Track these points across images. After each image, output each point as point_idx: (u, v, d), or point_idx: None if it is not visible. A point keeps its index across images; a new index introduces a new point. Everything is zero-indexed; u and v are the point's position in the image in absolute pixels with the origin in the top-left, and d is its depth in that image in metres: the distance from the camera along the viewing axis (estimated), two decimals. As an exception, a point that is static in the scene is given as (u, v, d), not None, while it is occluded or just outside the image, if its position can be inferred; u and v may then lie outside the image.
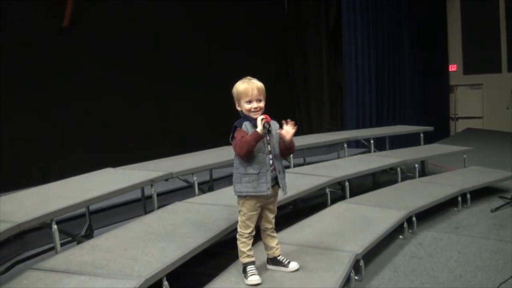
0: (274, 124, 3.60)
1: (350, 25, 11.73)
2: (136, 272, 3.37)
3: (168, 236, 4.11)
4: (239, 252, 3.67)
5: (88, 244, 4.05)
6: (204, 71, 9.71)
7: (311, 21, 12.28)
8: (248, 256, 3.65)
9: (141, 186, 5.23)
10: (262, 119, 3.41)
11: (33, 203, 4.34)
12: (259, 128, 3.39)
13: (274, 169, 3.61)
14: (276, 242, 3.83)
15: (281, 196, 3.82)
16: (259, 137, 3.42)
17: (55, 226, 4.04)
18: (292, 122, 3.57)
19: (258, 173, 3.52)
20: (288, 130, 3.54)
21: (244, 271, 3.63)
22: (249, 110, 3.51)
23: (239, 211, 3.64)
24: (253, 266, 3.65)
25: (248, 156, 3.48)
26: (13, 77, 7.05)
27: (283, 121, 3.56)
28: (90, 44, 8.04)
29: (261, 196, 3.55)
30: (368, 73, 12.23)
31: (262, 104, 3.53)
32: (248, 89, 3.50)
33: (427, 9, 15.14)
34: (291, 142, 3.61)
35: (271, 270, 3.81)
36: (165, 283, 3.44)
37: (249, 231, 3.62)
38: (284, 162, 7.05)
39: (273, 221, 3.78)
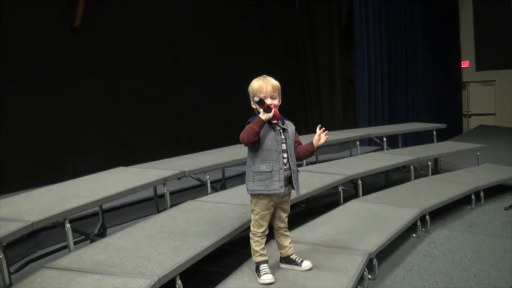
0: (290, 125, 3.64)
1: (362, 22, 11.68)
2: (149, 271, 3.37)
3: (181, 235, 4.11)
4: (252, 251, 3.67)
5: (101, 243, 4.05)
6: (216, 70, 9.71)
7: (323, 19, 12.25)
8: (261, 255, 3.64)
9: (154, 185, 5.23)
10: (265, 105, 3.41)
11: (46, 202, 4.35)
12: (262, 114, 3.40)
13: (289, 168, 3.60)
14: (289, 241, 3.82)
15: (293, 195, 3.80)
16: (261, 122, 3.42)
17: (68, 225, 4.05)
18: (326, 131, 3.67)
19: (271, 171, 3.51)
20: (322, 137, 3.65)
21: (257, 270, 3.63)
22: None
23: (252, 210, 3.64)
24: (266, 265, 3.64)
25: (252, 142, 3.45)
26: (28, 76, 7.09)
27: (318, 127, 3.68)
28: (105, 44, 8.06)
29: (274, 194, 3.55)
30: (380, 70, 12.19)
31: (276, 102, 3.55)
32: (263, 86, 3.52)
33: (440, 4, 15.05)
34: (311, 151, 3.72)
35: (284, 269, 3.80)
36: (179, 282, 3.44)
37: (262, 230, 3.61)
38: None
39: (286, 220, 3.77)
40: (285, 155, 3.57)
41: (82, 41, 7.85)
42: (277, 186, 3.52)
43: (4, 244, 3.50)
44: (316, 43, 12.30)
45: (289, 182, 3.65)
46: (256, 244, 3.63)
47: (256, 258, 3.65)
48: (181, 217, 4.63)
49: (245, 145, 3.52)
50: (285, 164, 3.57)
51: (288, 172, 3.60)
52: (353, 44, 11.88)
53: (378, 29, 12.13)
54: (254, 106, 3.58)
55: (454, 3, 16.59)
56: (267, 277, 3.56)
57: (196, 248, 3.80)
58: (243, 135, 3.44)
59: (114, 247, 3.89)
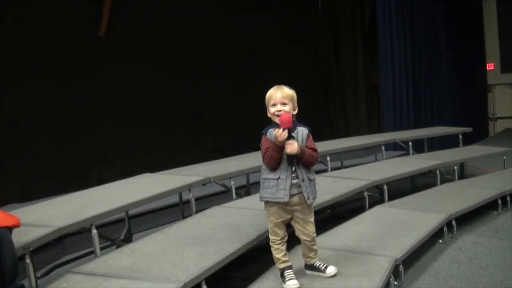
0: (301, 131, 3.59)
1: (385, 26, 11.62)
2: (175, 276, 3.39)
3: (206, 241, 4.13)
4: (274, 258, 3.68)
5: (127, 248, 4.09)
6: (240, 76, 9.73)
7: (346, 23, 12.20)
8: (283, 261, 3.64)
9: (179, 191, 5.27)
10: (279, 129, 3.38)
11: (73, 208, 4.41)
12: (276, 139, 3.39)
13: (297, 176, 3.56)
14: (313, 254, 3.82)
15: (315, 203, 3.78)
16: (279, 147, 3.41)
17: (94, 231, 4.10)
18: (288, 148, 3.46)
19: (278, 178, 3.51)
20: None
21: (282, 276, 3.63)
22: (274, 114, 3.52)
23: (268, 217, 3.66)
24: (290, 270, 3.64)
25: (277, 167, 3.51)
26: (54, 82, 7.16)
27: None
28: (130, 49, 8.12)
29: (279, 202, 3.54)
30: (404, 74, 12.10)
31: (286, 108, 3.50)
32: (273, 93, 3.54)
33: (463, 6, 14.90)
34: (299, 156, 3.50)
35: (309, 274, 3.80)
36: (204, 287, 3.45)
37: (279, 237, 3.62)
38: (322, 166, 7.11)
39: (311, 233, 3.72)
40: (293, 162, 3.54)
41: (106, 46, 7.91)
42: (282, 194, 3.51)
43: (32, 249, 3.54)
44: (339, 47, 12.26)
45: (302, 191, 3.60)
46: (277, 251, 3.64)
47: (280, 265, 3.65)
48: (206, 223, 4.65)
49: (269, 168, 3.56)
50: (293, 172, 3.54)
51: (296, 180, 3.55)
52: (376, 48, 11.82)
53: (402, 32, 12.05)
54: (269, 115, 3.59)
55: (477, 5, 16.39)
56: (292, 283, 3.56)
57: (222, 253, 3.81)
58: (268, 163, 3.53)
59: (140, 253, 3.93)
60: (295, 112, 3.58)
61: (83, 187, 5.45)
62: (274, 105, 3.52)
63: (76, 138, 7.43)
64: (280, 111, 3.48)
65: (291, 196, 3.54)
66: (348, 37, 12.14)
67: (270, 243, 3.66)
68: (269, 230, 3.66)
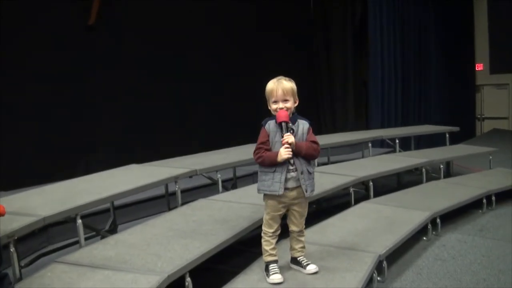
0: (302, 124, 3.59)
1: (376, 24, 11.65)
2: (159, 267, 3.39)
3: (191, 233, 4.12)
4: (262, 250, 3.68)
5: (112, 239, 4.09)
6: (228, 69, 9.71)
7: (336, 19, 12.17)
8: (270, 254, 3.64)
9: (166, 182, 5.27)
10: (286, 147, 3.42)
11: (58, 197, 4.40)
12: (280, 157, 3.43)
13: (295, 169, 3.54)
14: (300, 246, 3.81)
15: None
16: (275, 163, 3.47)
17: (79, 221, 4.09)
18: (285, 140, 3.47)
19: (274, 171, 3.51)
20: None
21: (267, 270, 3.63)
22: (275, 111, 3.52)
23: (265, 209, 3.65)
24: (275, 265, 3.64)
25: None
26: (41, 73, 7.12)
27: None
28: (117, 42, 8.07)
29: (275, 195, 3.54)
30: (394, 71, 12.16)
31: (289, 105, 3.50)
32: (274, 90, 3.51)
33: (454, 6, 14.97)
34: (296, 149, 3.49)
35: (294, 270, 3.81)
36: (188, 279, 3.46)
37: (272, 230, 3.62)
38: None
39: (301, 225, 3.74)
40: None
41: (95, 39, 7.87)
42: (277, 187, 3.51)
43: (16, 238, 3.53)
44: (330, 43, 12.24)
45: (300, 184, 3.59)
46: (266, 243, 3.64)
47: (266, 258, 3.65)
48: (191, 215, 4.65)
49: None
50: (291, 165, 3.52)
51: (294, 173, 3.54)
52: (367, 45, 11.84)
53: (392, 30, 12.09)
54: (269, 107, 3.59)
55: (469, 5, 16.49)
56: (275, 277, 3.56)
57: (206, 246, 3.82)
58: (256, 159, 3.56)
59: (125, 244, 3.92)
60: (296, 104, 3.58)
61: (69, 177, 5.43)
62: (275, 102, 3.52)
63: (63, 127, 7.40)
64: (282, 108, 3.49)
65: (290, 189, 3.55)
66: (339, 33, 12.13)
67: (262, 234, 3.67)
68: (264, 221, 3.66)
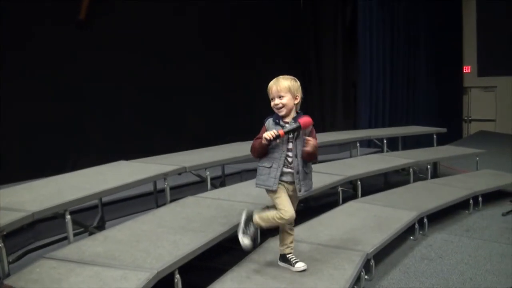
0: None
1: (366, 24, 11.69)
2: (148, 264, 3.39)
3: (180, 230, 4.12)
4: (279, 240, 3.95)
5: (101, 235, 4.08)
6: (219, 68, 9.70)
7: (327, 19, 12.20)
8: (288, 248, 3.90)
9: (155, 179, 5.26)
10: (273, 134, 3.46)
11: (47, 193, 4.38)
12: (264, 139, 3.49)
13: (293, 168, 3.61)
14: (290, 241, 3.88)
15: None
16: (263, 146, 3.55)
17: (68, 217, 4.07)
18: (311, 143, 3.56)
19: (270, 167, 3.61)
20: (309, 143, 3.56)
21: (286, 260, 3.89)
22: (274, 107, 3.62)
23: (274, 199, 3.70)
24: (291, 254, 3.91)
25: (258, 156, 3.67)
26: (30, 68, 7.08)
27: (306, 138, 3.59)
28: (106, 38, 8.03)
29: (268, 190, 3.65)
30: (382, 73, 12.20)
31: (284, 101, 3.58)
32: (270, 87, 3.64)
33: (443, 9, 15.04)
34: (309, 154, 3.61)
35: (282, 268, 3.82)
36: (177, 276, 3.45)
37: (286, 216, 3.64)
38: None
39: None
40: (290, 153, 3.62)
41: (84, 35, 7.83)
42: (271, 182, 3.61)
43: (5, 233, 3.51)
44: (320, 44, 12.25)
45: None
46: (287, 233, 3.88)
47: (285, 250, 3.88)
48: (180, 212, 4.65)
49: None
50: (290, 163, 3.61)
51: (291, 170, 3.62)
52: (356, 46, 11.88)
53: (382, 31, 12.13)
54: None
55: (457, 8, 16.56)
56: (300, 265, 3.83)
57: (196, 243, 3.82)
58: (251, 151, 3.70)
59: (113, 240, 3.92)
60: (296, 101, 3.65)
61: (57, 173, 5.40)
62: (272, 98, 3.62)
63: (51, 123, 7.35)
64: (278, 104, 3.58)
65: (287, 183, 3.65)
66: (329, 33, 12.15)
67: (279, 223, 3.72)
68: (277, 211, 3.65)
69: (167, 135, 8.69)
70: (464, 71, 17.24)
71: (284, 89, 3.58)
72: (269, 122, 3.64)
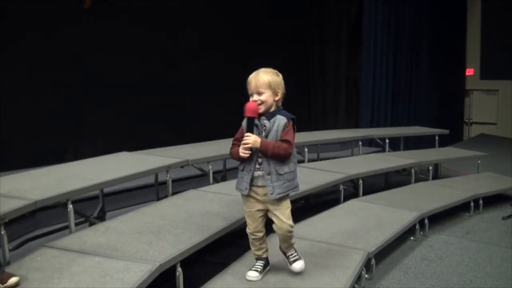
0: (278, 120, 3.35)
1: (371, 23, 11.69)
2: (150, 256, 3.38)
3: (182, 223, 4.11)
4: None
5: (102, 226, 4.07)
6: (222, 62, 9.67)
7: (331, 18, 12.20)
8: (254, 253, 3.65)
9: (157, 171, 5.23)
10: (243, 148, 3.31)
11: (49, 182, 4.37)
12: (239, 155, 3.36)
13: (263, 169, 3.38)
14: (286, 245, 3.65)
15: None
16: (241, 159, 3.39)
17: (70, 206, 4.05)
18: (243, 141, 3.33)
19: (242, 170, 3.46)
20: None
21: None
22: None
23: None
24: (260, 262, 3.63)
25: (238, 160, 3.47)
26: (33, 57, 7.05)
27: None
28: (111, 27, 8.01)
29: (241, 194, 3.49)
30: (385, 72, 12.21)
31: (263, 97, 3.31)
32: (248, 82, 3.37)
33: (448, 11, 15.03)
34: (260, 150, 3.32)
35: (284, 264, 3.78)
36: (179, 269, 3.44)
37: (249, 229, 3.54)
38: (298, 157, 7.11)
39: (285, 226, 3.46)
40: (259, 154, 3.37)
41: (89, 23, 7.79)
42: (243, 186, 3.44)
43: (7, 220, 3.49)
44: (324, 41, 12.26)
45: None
46: (250, 242, 3.61)
47: (253, 254, 3.67)
48: (182, 205, 4.63)
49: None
50: (260, 164, 3.38)
51: (261, 172, 3.38)
52: (360, 45, 11.87)
53: (386, 31, 12.13)
54: None
55: (462, 10, 16.55)
56: (251, 274, 3.57)
57: (198, 237, 3.81)
58: (231, 156, 3.53)
59: (115, 231, 3.91)
60: (277, 98, 3.37)
61: (57, 162, 5.38)
62: (251, 94, 3.35)
63: (51, 112, 7.33)
64: (256, 101, 3.31)
65: (259, 187, 3.40)
66: (333, 31, 12.14)
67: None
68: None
69: (167, 128, 8.67)
70: (467, 74, 17.21)
71: (264, 85, 3.30)
72: (245, 121, 3.41)
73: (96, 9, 7.84)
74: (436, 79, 14.62)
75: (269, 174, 3.35)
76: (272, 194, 3.36)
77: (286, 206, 3.47)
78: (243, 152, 3.31)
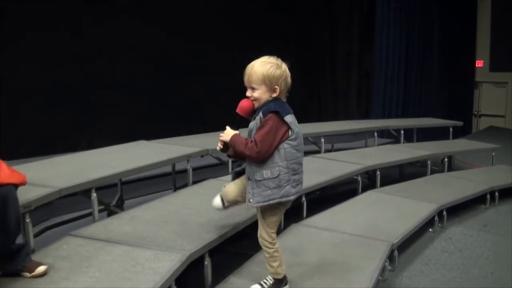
0: (258, 117, 2.96)
1: (384, 16, 11.68)
2: (179, 245, 3.36)
3: (206, 212, 4.06)
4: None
5: (126, 215, 4.05)
6: (235, 53, 9.54)
7: (343, 9, 12.13)
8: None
9: (178, 160, 5.19)
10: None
11: (72, 169, 4.36)
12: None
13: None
14: (267, 263, 3.21)
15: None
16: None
17: (94, 194, 4.04)
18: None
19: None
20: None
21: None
22: None
23: None
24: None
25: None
26: (47, 47, 7.00)
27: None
28: (125, 11, 7.93)
29: None
30: (398, 64, 12.18)
31: (256, 94, 2.94)
32: (244, 73, 3.00)
33: (458, 2, 14.97)
34: (232, 147, 3.03)
35: (307, 254, 3.75)
36: (208, 259, 3.44)
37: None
38: (314, 147, 7.10)
39: (262, 236, 3.11)
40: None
41: (100, 14, 7.72)
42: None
43: (32, 208, 3.47)
44: (335, 32, 12.18)
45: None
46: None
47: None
48: (204, 195, 4.59)
49: None
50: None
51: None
52: (372, 36, 11.83)
53: (399, 23, 12.12)
54: None
55: (473, 2, 16.47)
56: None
57: (224, 227, 3.79)
58: None
59: (140, 220, 3.89)
60: (275, 94, 2.94)
61: (72, 150, 5.38)
62: (246, 88, 3.00)
63: (66, 100, 7.28)
64: (249, 97, 2.97)
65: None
66: (345, 22, 12.06)
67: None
68: None
69: (182, 117, 8.61)
70: (476, 66, 17.12)
71: (257, 80, 2.90)
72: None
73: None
74: (446, 71, 14.58)
75: (249, 178, 2.99)
76: (250, 201, 3.01)
77: (270, 217, 3.09)
78: (218, 146, 3.10)
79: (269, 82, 2.90)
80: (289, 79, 3.00)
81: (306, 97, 11.07)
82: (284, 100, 3.02)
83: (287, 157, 2.93)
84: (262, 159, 2.90)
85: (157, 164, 4.84)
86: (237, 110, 3.01)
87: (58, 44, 7.09)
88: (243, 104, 2.99)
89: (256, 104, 2.97)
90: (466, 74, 16.29)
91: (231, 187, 3.28)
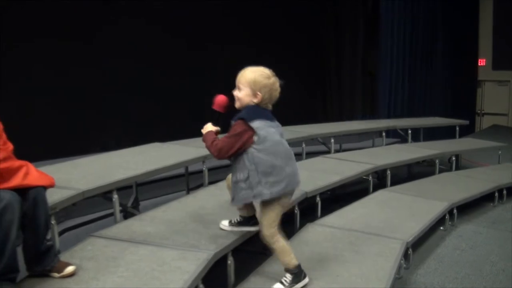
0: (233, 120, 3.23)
1: (388, 15, 11.75)
2: (203, 245, 3.43)
3: (225, 212, 4.10)
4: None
5: (147, 216, 4.11)
6: (240, 56, 9.59)
7: (348, 8, 12.19)
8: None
9: (195, 162, 5.25)
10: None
11: (94, 171, 4.44)
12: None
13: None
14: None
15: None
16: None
17: (116, 196, 4.12)
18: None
19: None
20: None
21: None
22: None
23: None
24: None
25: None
26: (58, 48, 7.06)
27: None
28: (137, 12, 8.00)
29: None
30: (402, 63, 12.26)
31: (240, 94, 3.17)
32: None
33: (461, 1, 15.03)
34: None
35: (325, 253, 3.82)
36: (231, 258, 3.51)
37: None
38: (323, 147, 7.17)
39: (262, 231, 3.26)
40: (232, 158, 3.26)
41: (116, 14, 7.78)
42: None
43: (58, 210, 3.55)
44: (339, 32, 12.25)
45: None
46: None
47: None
48: (220, 195, 4.64)
49: None
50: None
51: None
52: (377, 36, 11.89)
53: (403, 23, 12.19)
54: None
55: (475, 1, 16.52)
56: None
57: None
58: None
59: (162, 221, 3.96)
60: (256, 100, 3.15)
61: (86, 153, 5.44)
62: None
63: (80, 102, 7.35)
64: (234, 96, 3.21)
65: None
66: (349, 21, 12.11)
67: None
68: None
69: (191, 119, 8.63)
70: (479, 64, 17.16)
71: (244, 82, 3.15)
72: None
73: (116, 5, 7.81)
74: (449, 69, 14.65)
75: (233, 181, 3.25)
76: (232, 200, 3.30)
77: (269, 212, 3.20)
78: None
79: (253, 86, 3.13)
80: (275, 92, 3.20)
81: (311, 97, 11.14)
82: (268, 109, 3.23)
83: (255, 161, 3.11)
84: (221, 158, 3.20)
85: (175, 166, 4.93)
86: (214, 106, 3.28)
87: (71, 49, 7.17)
88: (217, 99, 3.27)
89: (238, 104, 3.20)
90: (469, 73, 16.36)
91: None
